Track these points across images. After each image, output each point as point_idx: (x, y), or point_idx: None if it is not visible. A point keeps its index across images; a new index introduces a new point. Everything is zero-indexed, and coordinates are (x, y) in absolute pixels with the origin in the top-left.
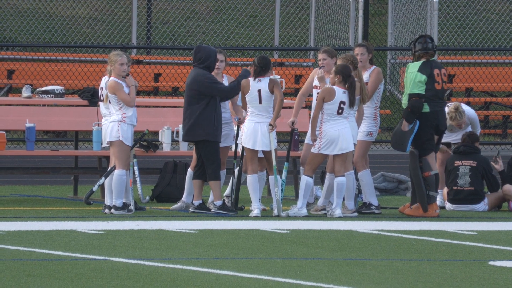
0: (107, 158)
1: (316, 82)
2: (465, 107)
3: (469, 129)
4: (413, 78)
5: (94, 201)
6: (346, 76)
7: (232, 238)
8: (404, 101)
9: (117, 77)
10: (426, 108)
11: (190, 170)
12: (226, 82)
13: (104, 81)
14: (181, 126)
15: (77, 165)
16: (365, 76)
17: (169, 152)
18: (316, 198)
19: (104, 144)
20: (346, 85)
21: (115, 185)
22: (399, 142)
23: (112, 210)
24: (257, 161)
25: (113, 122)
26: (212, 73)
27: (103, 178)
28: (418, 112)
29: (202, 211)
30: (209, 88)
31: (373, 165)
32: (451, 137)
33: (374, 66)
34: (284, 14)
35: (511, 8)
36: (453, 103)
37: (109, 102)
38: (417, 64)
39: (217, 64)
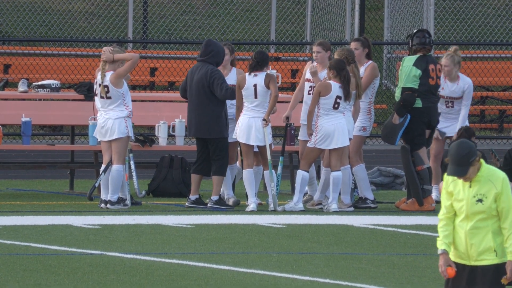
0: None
1: (308, 76)
2: (465, 76)
3: (461, 121)
4: (408, 72)
5: (94, 196)
6: (339, 70)
7: (228, 233)
8: (397, 94)
9: (113, 70)
10: (419, 103)
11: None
12: (234, 74)
13: (99, 76)
14: (177, 120)
15: (73, 159)
16: (361, 70)
17: (165, 146)
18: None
19: (103, 138)
20: (340, 79)
21: (113, 180)
22: (389, 135)
23: (108, 205)
24: (253, 155)
25: (119, 119)
26: (220, 66)
27: (103, 173)
28: (410, 106)
29: (198, 205)
30: (216, 88)
31: (369, 159)
32: (446, 124)
33: (370, 61)
34: (280, 8)
35: (507, 3)
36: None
37: (109, 98)
38: (413, 58)
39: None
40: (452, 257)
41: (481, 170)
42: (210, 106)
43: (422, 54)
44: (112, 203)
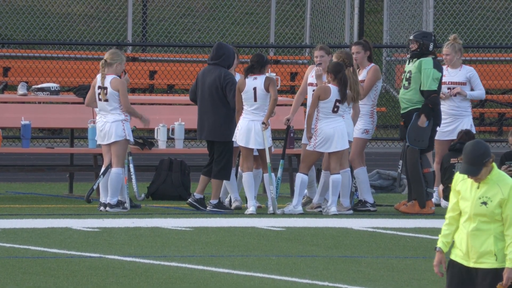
0: (103, 155)
1: (310, 80)
2: (468, 67)
3: (465, 123)
4: (430, 74)
5: (92, 199)
6: (336, 73)
7: (227, 236)
8: (408, 97)
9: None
10: None
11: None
12: (237, 79)
13: (99, 78)
14: (176, 123)
15: (73, 162)
16: (363, 74)
17: (164, 149)
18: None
19: (102, 142)
20: (337, 82)
21: (113, 183)
22: (419, 139)
23: (107, 208)
24: (252, 158)
25: (116, 122)
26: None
27: (101, 176)
28: (436, 108)
29: (200, 206)
30: (228, 93)
31: (368, 162)
32: (449, 127)
33: (372, 64)
34: (279, 11)
35: (506, 6)
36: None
37: (106, 100)
38: (430, 61)
39: None
40: (453, 256)
41: (492, 173)
42: (223, 109)
43: (435, 57)
44: (111, 206)
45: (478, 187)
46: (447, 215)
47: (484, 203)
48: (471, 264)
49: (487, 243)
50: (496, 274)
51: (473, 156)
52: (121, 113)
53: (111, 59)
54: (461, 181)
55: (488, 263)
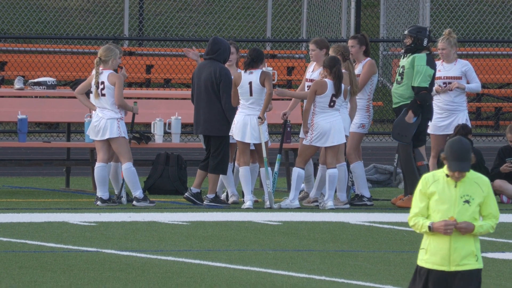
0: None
1: (308, 75)
2: (463, 61)
3: (460, 118)
4: (422, 71)
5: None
6: (331, 67)
7: (224, 230)
8: (401, 92)
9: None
10: None
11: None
12: None
13: (94, 77)
14: (173, 118)
15: (69, 156)
16: (359, 68)
17: (161, 144)
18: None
19: (95, 137)
20: (332, 76)
21: (128, 179)
22: (403, 134)
23: (134, 202)
24: (249, 153)
25: (111, 119)
26: (226, 65)
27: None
28: (425, 105)
29: (196, 200)
30: (222, 94)
31: (365, 157)
32: (445, 122)
33: (368, 58)
34: (276, 5)
35: (503, 0)
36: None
37: (103, 95)
38: (423, 57)
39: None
40: (428, 264)
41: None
42: (219, 104)
43: (430, 52)
44: (137, 199)
45: (455, 186)
46: (413, 218)
47: (467, 201)
48: (452, 268)
49: (469, 244)
50: (477, 275)
51: (463, 152)
52: (117, 110)
53: (105, 56)
54: (433, 183)
55: (470, 264)
